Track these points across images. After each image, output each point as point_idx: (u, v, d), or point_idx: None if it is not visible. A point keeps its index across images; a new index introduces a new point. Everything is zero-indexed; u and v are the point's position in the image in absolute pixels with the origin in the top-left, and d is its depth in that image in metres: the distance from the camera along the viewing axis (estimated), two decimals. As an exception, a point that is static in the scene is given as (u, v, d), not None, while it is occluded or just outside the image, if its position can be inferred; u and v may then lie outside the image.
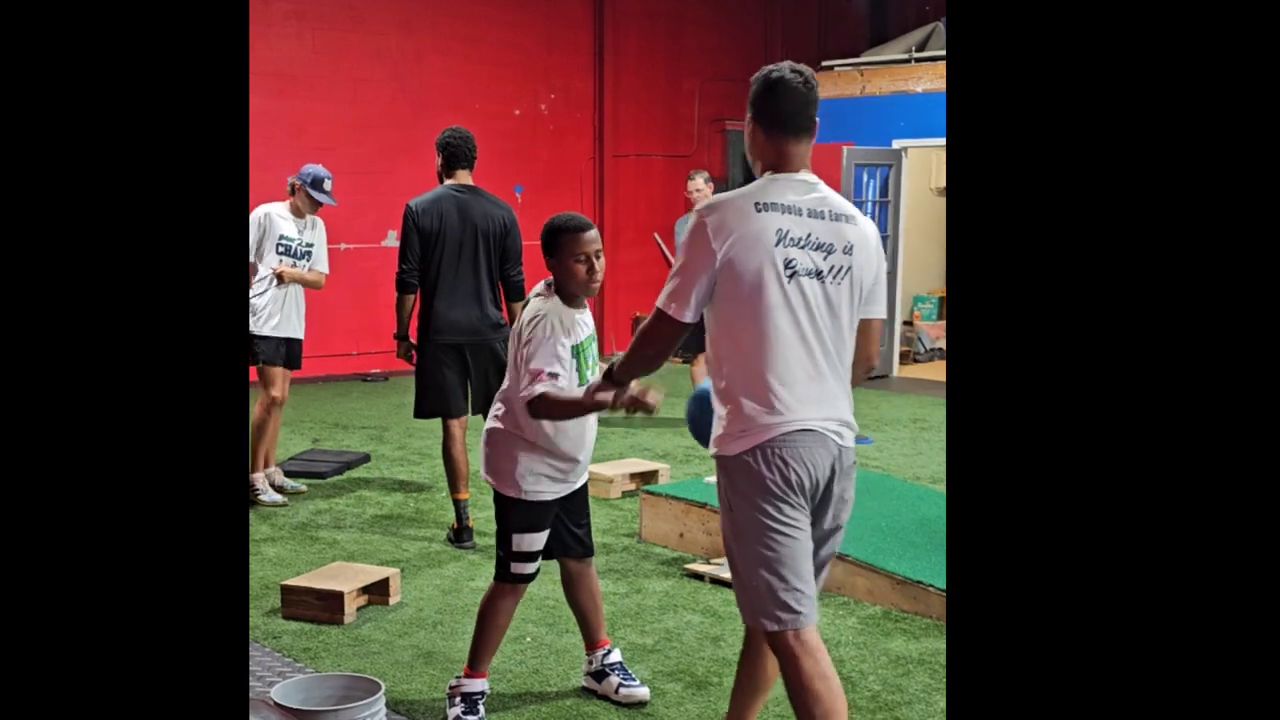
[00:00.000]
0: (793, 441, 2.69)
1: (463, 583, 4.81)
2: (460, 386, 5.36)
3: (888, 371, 10.83)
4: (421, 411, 5.47)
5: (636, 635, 4.23)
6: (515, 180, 10.85)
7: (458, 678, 3.58)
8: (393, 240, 6.53)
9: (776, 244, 2.67)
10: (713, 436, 2.81)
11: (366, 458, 7.12)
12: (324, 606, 4.32)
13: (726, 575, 4.37)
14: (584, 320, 3.48)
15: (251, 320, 5.90)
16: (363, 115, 10.24)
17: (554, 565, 3.74)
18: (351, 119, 10.17)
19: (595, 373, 3.50)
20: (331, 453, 7.17)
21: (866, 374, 2.98)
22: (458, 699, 3.53)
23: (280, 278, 5.93)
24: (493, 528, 3.60)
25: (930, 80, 10.43)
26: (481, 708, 3.54)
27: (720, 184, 10.75)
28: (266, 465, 6.16)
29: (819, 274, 2.71)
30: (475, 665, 3.55)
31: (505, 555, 3.50)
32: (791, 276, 2.68)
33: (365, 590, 4.47)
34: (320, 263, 6.17)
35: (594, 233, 3.43)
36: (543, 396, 3.23)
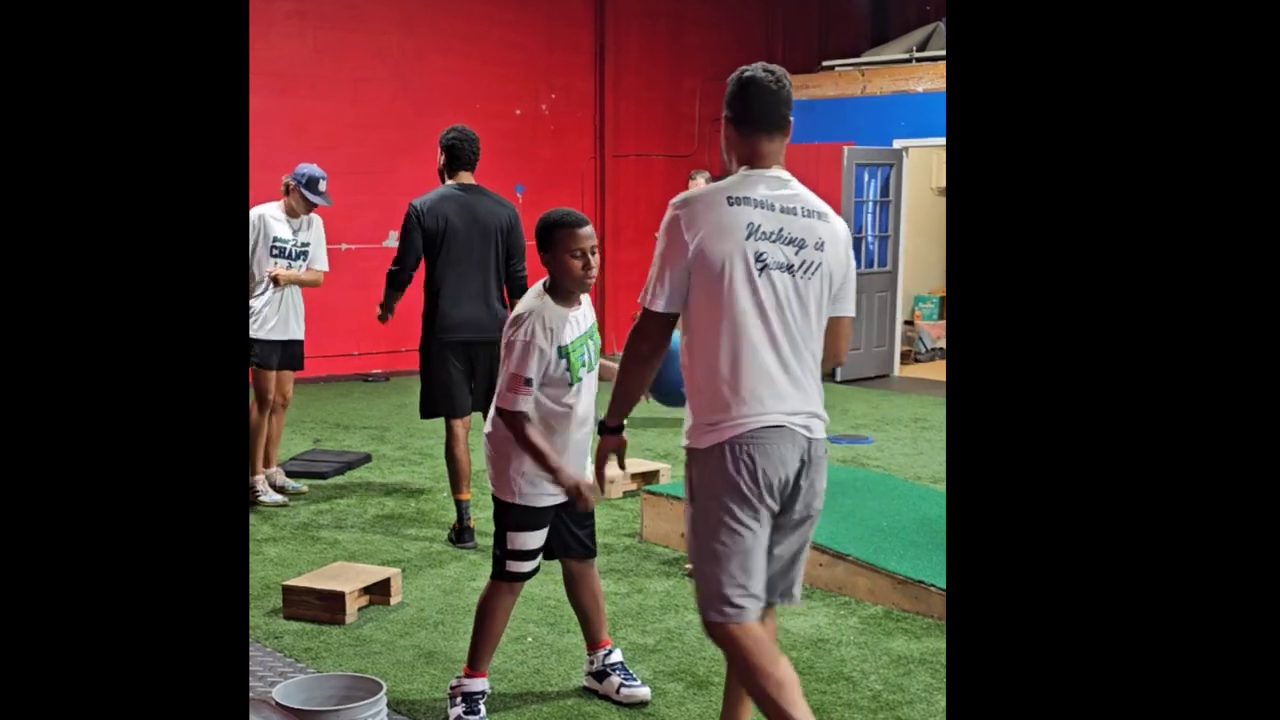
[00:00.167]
0: (761, 439, 2.72)
1: (464, 583, 4.81)
2: (465, 385, 5.36)
3: (889, 371, 10.83)
4: (426, 412, 5.46)
5: (638, 635, 4.23)
6: (516, 179, 10.84)
7: (458, 678, 3.58)
8: (394, 240, 6.52)
9: (748, 237, 2.71)
10: (684, 428, 2.85)
11: (368, 458, 7.12)
12: (325, 606, 4.33)
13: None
14: (579, 317, 3.47)
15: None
16: (364, 114, 10.24)
17: (555, 565, 3.74)
18: (352, 118, 10.17)
19: (590, 371, 3.50)
20: (333, 453, 7.17)
21: (830, 370, 3.01)
22: (459, 699, 3.53)
23: (276, 280, 5.90)
24: (494, 528, 3.60)
25: (931, 80, 10.43)
26: (483, 708, 3.54)
27: (721, 184, 10.73)
28: (268, 465, 6.15)
29: (790, 268, 2.75)
30: (475, 665, 3.55)
31: (501, 553, 3.51)
32: (762, 270, 2.72)
33: (366, 590, 4.48)
34: (318, 261, 6.13)
35: (589, 228, 3.43)
36: (522, 427, 3.34)
